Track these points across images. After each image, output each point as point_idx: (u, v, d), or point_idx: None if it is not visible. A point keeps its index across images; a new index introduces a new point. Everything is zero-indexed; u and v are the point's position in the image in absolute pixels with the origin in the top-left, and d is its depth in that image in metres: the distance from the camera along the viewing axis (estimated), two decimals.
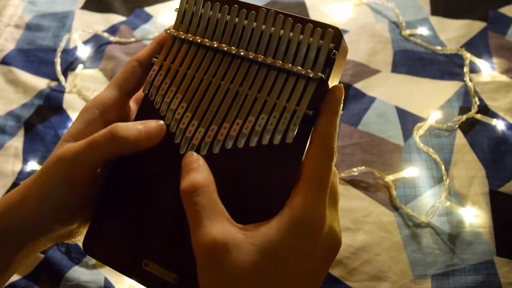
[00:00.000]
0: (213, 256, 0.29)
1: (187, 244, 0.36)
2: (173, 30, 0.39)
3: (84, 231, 0.39)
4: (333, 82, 0.36)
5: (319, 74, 0.34)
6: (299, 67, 0.35)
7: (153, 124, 0.35)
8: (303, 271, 0.31)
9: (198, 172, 0.33)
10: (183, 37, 0.38)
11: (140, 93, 0.41)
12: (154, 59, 0.39)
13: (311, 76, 0.34)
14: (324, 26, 0.35)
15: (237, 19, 0.37)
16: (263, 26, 0.36)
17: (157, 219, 0.37)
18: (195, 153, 0.34)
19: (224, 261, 0.29)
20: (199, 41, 0.38)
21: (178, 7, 0.39)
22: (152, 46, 0.40)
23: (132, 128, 0.34)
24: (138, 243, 0.37)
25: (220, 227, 0.30)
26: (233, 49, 0.36)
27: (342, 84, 0.36)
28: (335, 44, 0.34)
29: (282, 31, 0.36)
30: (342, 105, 0.35)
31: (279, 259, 0.30)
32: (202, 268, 0.30)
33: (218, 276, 0.29)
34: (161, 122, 0.36)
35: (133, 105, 0.42)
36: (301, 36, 0.35)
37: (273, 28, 0.36)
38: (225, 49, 0.37)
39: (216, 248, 0.29)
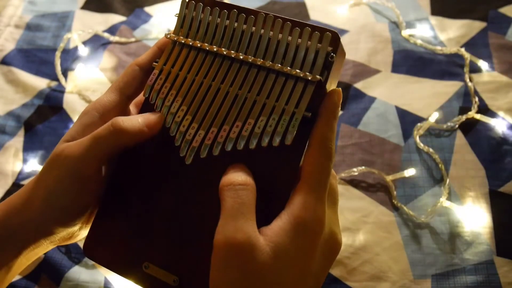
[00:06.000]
0: (240, 253, 0.30)
1: (187, 246, 0.36)
2: (173, 35, 0.39)
3: (85, 234, 0.39)
4: (331, 84, 0.36)
5: (318, 76, 0.34)
6: (298, 70, 0.35)
7: (152, 116, 0.37)
8: (305, 272, 0.32)
9: (249, 173, 0.34)
10: (183, 41, 0.38)
11: (140, 97, 0.41)
12: (154, 63, 0.39)
13: (309, 78, 0.34)
14: (322, 30, 0.35)
15: (236, 24, 0.37)
16: (262, 30, 0.36)
17: (158, 221, 0.37)
18: None
19: (250, 260, 0.30)
20: (198, 45, 0.38)
21: (178, 12, 0.39)
22: (152, 50, 0.40)
23: (133, 119, 0.36)
24: (138, 246, 0.37)
25: (253, 227, 0.31)
26: (232, 53, 0.36)
27: (340, 88, 0.36)
28: (333, 48, 0.35)
29: (280, 35, 0.36)
30: (340, 107, 0.35)
31: (286, 261, 0.31)
32: (224, 262, 0.30)
33: (242, 273, 0.30)
34: (159, 113, 0.38)
35: (133, 109, 0.42)
36: (300, 40, 0.35)
37: (271, 32, 0.36)
38: (225, 53, 0.37)
39: (245, 246, 0.30)
